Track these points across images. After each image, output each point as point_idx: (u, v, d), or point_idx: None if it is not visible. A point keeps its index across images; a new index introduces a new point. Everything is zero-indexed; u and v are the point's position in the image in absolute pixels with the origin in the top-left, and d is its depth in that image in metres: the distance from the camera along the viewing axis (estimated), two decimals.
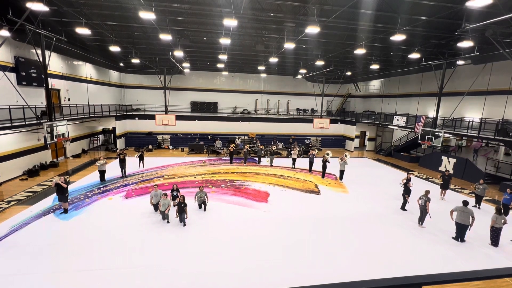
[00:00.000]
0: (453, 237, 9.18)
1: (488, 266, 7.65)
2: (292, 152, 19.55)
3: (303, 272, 7.19)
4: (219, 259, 7.68)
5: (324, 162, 16.65)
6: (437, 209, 11.35)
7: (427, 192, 10.08)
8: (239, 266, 7.38)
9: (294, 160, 19.34)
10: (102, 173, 14.34)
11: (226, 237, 8.93)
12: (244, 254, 8.00)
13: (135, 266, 7.23)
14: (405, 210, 11.65)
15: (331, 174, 17.37)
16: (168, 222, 9.75)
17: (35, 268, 7.00)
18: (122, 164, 15.32)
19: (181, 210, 9.52)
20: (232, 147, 20.22)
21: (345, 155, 16.47)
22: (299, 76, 29.99)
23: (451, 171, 17.16)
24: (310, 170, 18.16)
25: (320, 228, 9.88)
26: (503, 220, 8.31)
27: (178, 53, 18.17)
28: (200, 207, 11.06)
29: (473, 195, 12.82)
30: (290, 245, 8.54)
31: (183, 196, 9.75)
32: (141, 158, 17.73)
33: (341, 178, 16.22)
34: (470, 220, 8.63)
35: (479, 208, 12.10)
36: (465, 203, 8.87)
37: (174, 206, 10.25)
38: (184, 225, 9.56)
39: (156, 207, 10.55)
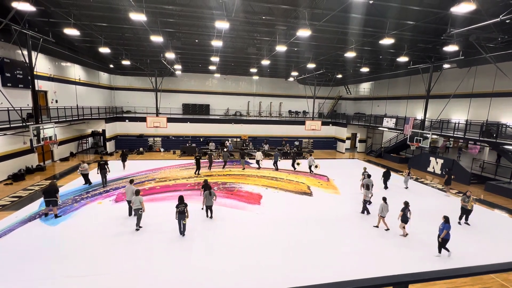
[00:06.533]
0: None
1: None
2: (257, 153, 19.25)
3: (298, 273, 7.20)
4: (215, 258, 7.61)
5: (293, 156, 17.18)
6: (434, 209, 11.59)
7: (365, 168, 14.64)
8: (234, 267, 7.33)
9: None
10: (85, 176, 14.04)
11: (220, 240, 8.87)
12: (240, 255, 7.96)
13: (126, 270, 7.08)
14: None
15: (322, 175, 17.51)
16: (137, 228, 9.19)
17: (21, 275, 6.75)
18: (103, 171, 13.82)
19: (182, 211, 8.73)
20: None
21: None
22: (291, 79, 30.20)
23: (439, 171, 17.55)
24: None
25: (313, 229, 9.93)
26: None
27: (170, 55, 18.03)
28: (207, 214, 10.58)
29: (460, 194, 13.17)
30: (285, 247, 8.54)
31: (182, 196, 9.11)
32: (123, 159, 17.39)
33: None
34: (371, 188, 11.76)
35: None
36: (369, 176, 12.73)
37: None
38: (183, 234, 8.94)
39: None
